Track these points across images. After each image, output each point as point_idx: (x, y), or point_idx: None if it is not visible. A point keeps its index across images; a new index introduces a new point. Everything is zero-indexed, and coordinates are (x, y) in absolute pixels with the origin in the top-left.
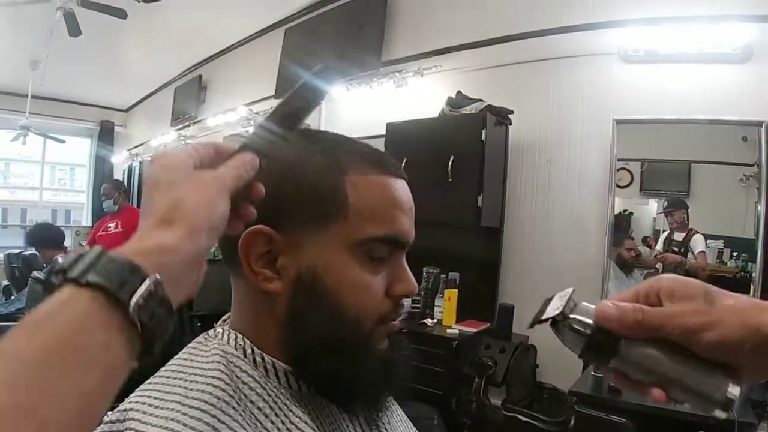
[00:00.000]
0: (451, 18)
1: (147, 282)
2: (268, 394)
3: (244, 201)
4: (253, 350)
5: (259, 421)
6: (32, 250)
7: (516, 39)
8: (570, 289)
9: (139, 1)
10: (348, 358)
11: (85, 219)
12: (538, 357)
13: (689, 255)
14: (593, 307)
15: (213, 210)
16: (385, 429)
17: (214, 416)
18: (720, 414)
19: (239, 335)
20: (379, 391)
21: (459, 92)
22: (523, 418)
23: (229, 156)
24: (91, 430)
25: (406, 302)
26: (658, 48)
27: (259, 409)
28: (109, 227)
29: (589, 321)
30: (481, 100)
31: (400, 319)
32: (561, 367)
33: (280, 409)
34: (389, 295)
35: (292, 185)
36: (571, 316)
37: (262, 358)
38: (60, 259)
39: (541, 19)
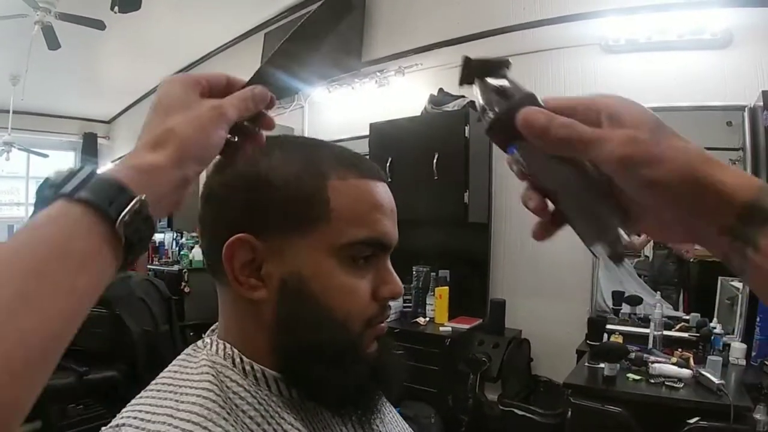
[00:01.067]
0: (429, 15)
1: (133, 201)
2: (259, 403)
3: (251, 131)
4: (242, 359)
5: (251, 430)
6: None
7: (495, 34)
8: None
9: (115, 12)
10: (337, 362)
11: None
12: (532, 350)
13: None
14: (527, 94)
15: (205, 139)
16: (380, 430)
17: (205, 428)
18: (602, 253)
19: (227, 345)
20: (369, 394)
21: (441, 89)
22: (520, 412)
23: (239, 88)
24: (76, 326)
25: (398, 302)
26: (638, 37)
27: (251, 418)
28: None
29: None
30: (463, 97)
31: (387, 321)
32: (556, 359)
33: (271, 416)
34: (375, 297)
35: (273, 192)
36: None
37: (251, 367)
38: (51, 176)
39: (519, 13)
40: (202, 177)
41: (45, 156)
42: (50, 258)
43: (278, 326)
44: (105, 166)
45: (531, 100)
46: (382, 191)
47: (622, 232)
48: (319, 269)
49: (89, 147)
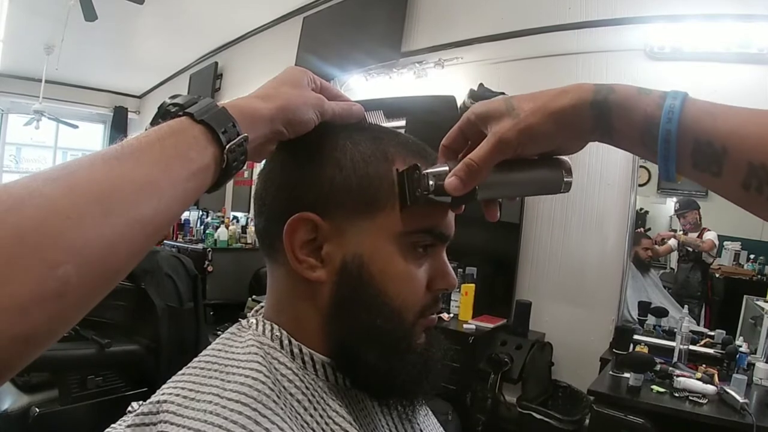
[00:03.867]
0: (473, 9)
1: (240, 136)
2: (306, 387)
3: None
4: (290, 341)
5: (299, 414)
6: None
7: (539, 32)
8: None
9: None
10: (389, 350)
11: None
12: (554, 354)
13: (704, 256)
14: (444, 172)
15: (302, 111)
16: (419, 426)
17: (255, 409)
18: (564, 191)
19: (275, 326)
20: (416, 386)
21: (481, 84)
22: (538, 416)
23: (344, 101)
24: (175, 219)
25: None
26: (683, 46)
27: (298, 401)
28: None
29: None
30: (503, 93)
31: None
32: (577, 365)
33: (318, 402)
34: (430, 288)
35: (340, 173)
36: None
37: (300, 350)
38: (168, 99)
39: (565, 13)
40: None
41: (75, 127)
42: (175, 158)
43: (334, 308)
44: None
45: (442, 174)
46: None
47: (564, 174)
48: (381, 254)
49: (119, 121)
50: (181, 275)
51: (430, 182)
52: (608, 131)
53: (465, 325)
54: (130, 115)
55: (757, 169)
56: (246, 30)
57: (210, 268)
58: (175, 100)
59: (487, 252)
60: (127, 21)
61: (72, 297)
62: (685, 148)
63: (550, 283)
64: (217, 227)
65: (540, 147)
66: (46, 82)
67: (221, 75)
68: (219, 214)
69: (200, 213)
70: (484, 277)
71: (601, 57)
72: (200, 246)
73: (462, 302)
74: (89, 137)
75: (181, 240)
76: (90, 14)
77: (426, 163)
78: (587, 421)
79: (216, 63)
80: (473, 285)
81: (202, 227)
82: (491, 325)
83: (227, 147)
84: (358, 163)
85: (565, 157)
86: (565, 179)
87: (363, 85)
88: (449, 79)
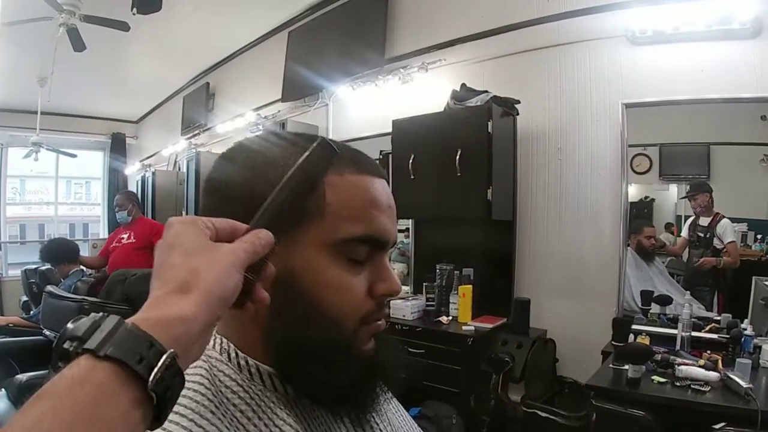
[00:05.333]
0: (453, 10)
1: (164, 357)
2: (251, 398)
3: (255, 279)
4: (237, 354)
5: (242, 425)
6: (49, 266)
7: (519, 27)
8: None
9: (134, 14)
10: (328, 360)
11: (102, 231)
12: (558, 351)
13: (715, 241)
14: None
15: (228, 282)
16: (377, 425)
17: (191, 420)
18: None
19: (224, 339)
20: (363, 392)
21: (463, 85)
22: (543, 414)
23: (244, 232)
24: None
25: (421, 301)
26: (664, 28)
27: (242, 412)
28: (122, 238)
29: None
30: (486, 92)
31: (384, 319)
32: (581, 360)
33: (263, 412)
34: (372, 295)
35: (269, 185)
36: None
37: (246, 362)
38: (70, 325)
39: (543, 5)
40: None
41: (73, 156)
42: (78, 427)
43: (271, 322)
44: (133, 165)
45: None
46: (380, 188)
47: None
48: (312, 265)
49: (117, 147)
50: None
51: None
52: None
53: (464, 327)
54: (128, 141)
55: None
56: (234, 48)
57: None
58: (75, 327)
59: (482, 252)
60: (115, 48)
61: None
62: None
63: (548, 279)
64: None
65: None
66: (42, 113)
67: (213, 94)
68: None
69: None
70: (481, 277)
71: (583, 46)
72: None
73: (460, 304)
74: (89, 165)
75: None
76: (78, 45)
77: (357, 169)
78: (595, 415)
79: (207, 83)
80: (470, 286)
81: None
82: (491, 325)
83: (150, 380)
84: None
85: None
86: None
87: (350, 95)
88: (434, 82)
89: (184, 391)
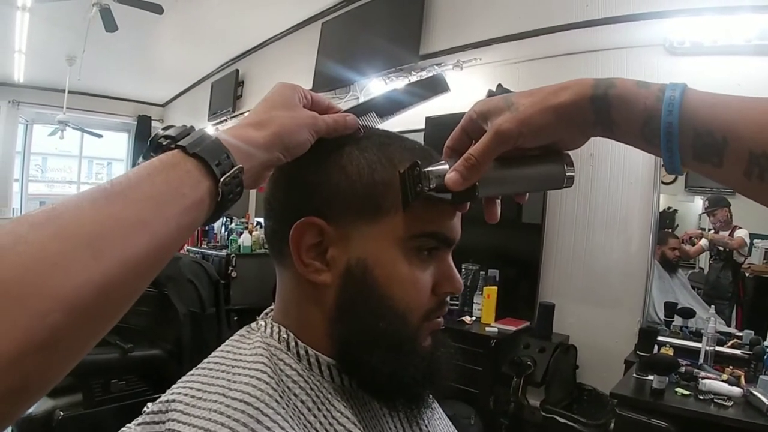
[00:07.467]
0: (490, 10)
1: (234, 168)
2: (311, 388)
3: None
4: (296, 343)
5: (303, 414)
6: None
7: (557, 31)
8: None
9: None
10: (393, 352)
11: None
12: (579, 357)
13: (735, 255)
14: (444, 169)
15: (297, 134)
16: (426, 427)
17: (257, 409)
18: (567, 185)
19: (282, 328)
20: (421, 388)
21: (499, 85)
22: (562, 420)
23: (335, 112)
24: (170, 255)
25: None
26: (703, 40)
27: (302, 402)
28: None
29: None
30: None
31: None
32: (602, 368)
33: (322, 403)
34: (435, 292)
35: (346, 178)
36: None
37: (306, 351)
38: (161, 130)
39: (582, 10)
40: None
41: (99, 136)
42: (167, 195)
43: (338, 312)
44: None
45: (442, 171)
46: None
47: (566, 168)
48: (385, 258)
49: (143, 129)
50: (203, 281)
51: (431, 179)
52: (609, 126)
53: (487, 328)
54: (154, 124)
55: (758, 158)
56: (266, 37)
57: (234, 274)
58: (168, 132)
59: (509, 254)
60: (147, 31)
61: (63, 345)
62: (686, 140)
63: (574, 285)
64: (241, 233)
65: (540, 139)
66: (70, 92)
67: (242, 82)
68: (243, 220)
69: (224, 219)
70: (506, 279)
71: (620, 53)
72: (224, 252)
73: (484, 305)
74: (114, 146)
75: (205, 246)
76: (110, 25)
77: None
78: (612, 424)
79: (237, 71)
80: (495, 288)
81: (226, 233)
82: (514, 328)
83: (221, 180)
84: (363, 170)
85: (566, 152)
86: (567, 173)
87: (382, 90)
88: (468, 81)
89: (247, 379)
